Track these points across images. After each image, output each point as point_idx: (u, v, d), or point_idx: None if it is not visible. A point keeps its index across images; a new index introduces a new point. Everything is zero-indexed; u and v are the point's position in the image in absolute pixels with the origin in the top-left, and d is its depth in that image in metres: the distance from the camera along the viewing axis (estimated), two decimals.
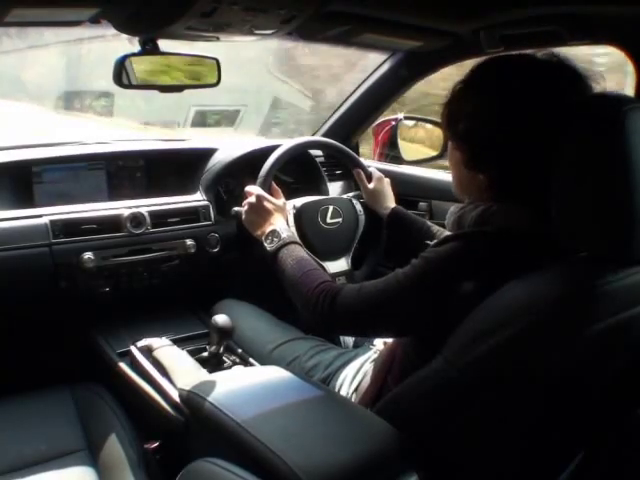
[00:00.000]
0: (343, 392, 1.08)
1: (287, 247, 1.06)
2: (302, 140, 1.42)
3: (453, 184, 0.96)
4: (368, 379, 1.04)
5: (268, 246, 1.09)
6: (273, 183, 1.28)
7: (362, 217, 1.45)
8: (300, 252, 1.05)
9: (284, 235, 1.09)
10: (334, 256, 1.40)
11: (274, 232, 1.10)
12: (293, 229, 1.31)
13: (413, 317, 0.85)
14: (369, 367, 1.08)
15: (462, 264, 0.81)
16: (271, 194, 1.23)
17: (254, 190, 1.20)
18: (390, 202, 1.44)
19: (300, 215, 1.34)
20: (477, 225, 0.85)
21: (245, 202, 1.20)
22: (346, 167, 1.58)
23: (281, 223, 1.14)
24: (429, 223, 1.38)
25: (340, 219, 1.42)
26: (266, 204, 1.17)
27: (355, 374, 1.10)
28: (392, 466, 0.77)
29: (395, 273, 0.87)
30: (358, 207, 1.46)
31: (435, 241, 0.88)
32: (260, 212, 1.17)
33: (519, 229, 0.81)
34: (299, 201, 1.37)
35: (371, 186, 1.45)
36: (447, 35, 1.31)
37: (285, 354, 1.23)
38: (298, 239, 1.10)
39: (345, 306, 0.90)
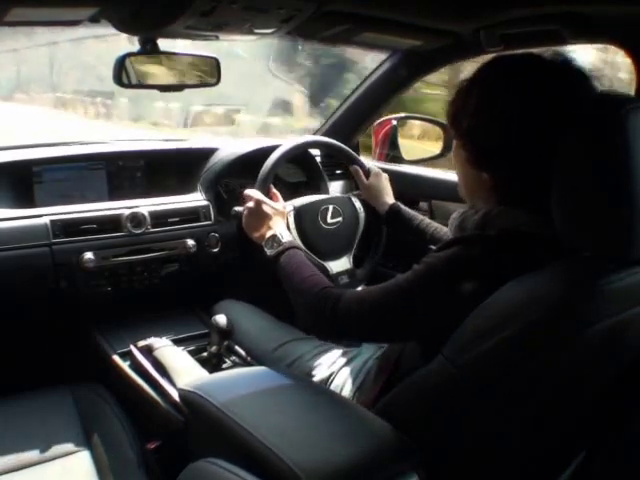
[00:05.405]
0: (346, 389, 1.08)
1: (287, 252, 1.05)
2: (301, 140, 1.42)
3: (458, 183, 0.96)
4: (372, 377, 1.04)
5: (268, 251, 1.09)
6: (272, 186, 1.28)
7: (362, 215, 1.45)
8: (300, 257, 1.05)
9: (284, 240, 1.08)
10: (336, 255, 1.40)
11: (274, 237, 1.09)
12: (294, 230, 1.30)
13: (415, 322, 0.85)
14: (372, 364, 1.08)
15: (463, 267, 0.80)
16: (270, 198, 1.23)
17: (253, 194, 1.19)
18: (389, 198, 1.43)
19: (300, 216, 1.33)
20: (479, 228, 0.85)
21: (244, 206, 1.19)
22: (346, 166, 1.58)
23: (281, 227, 1.13)
24: (428, 219, 1.38)
25: (340, 218, 1.41)
26: (265, 208, 1.16)
27: (358, 372, 1.10)
28: (392, 466, 0.77)
29: (396, 278, 0.87)
30: (358, 205, 1.45)
31: (438, 245, 0.87)
32: (259, 216, 1.16)
33: (520, 231, 0.81)
34: (299, 202, 1.36)
35: (369, 182, 1.44)
36: (447, 34, 1.31)
37: (288, 353, 1.22)
38: (299, 243, 1.09)
39: (347, 311, 0.90)
